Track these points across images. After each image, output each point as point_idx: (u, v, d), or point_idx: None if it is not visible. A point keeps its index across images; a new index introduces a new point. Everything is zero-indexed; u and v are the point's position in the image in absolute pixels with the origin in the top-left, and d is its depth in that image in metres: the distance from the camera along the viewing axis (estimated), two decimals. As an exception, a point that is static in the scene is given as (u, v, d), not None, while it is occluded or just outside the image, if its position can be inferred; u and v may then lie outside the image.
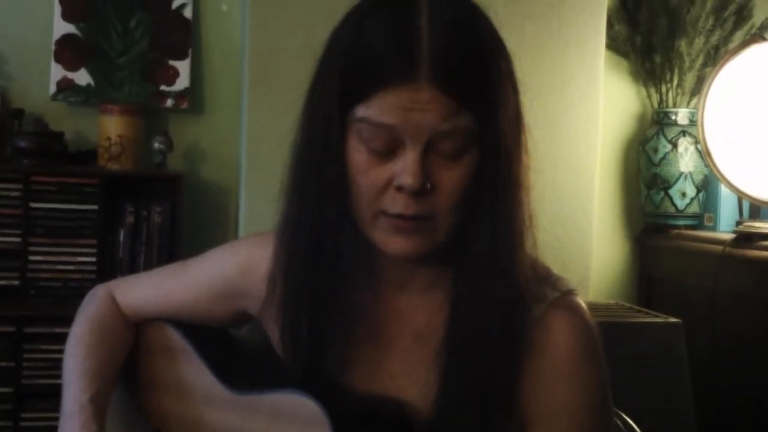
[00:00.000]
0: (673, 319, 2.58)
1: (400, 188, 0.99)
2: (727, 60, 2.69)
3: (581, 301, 1.11)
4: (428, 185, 0.99)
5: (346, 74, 1.00)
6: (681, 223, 3.10)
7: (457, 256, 1.05)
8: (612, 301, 3.01)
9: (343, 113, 1.01)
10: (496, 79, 1.00)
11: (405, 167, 0.98)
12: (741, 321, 2.64)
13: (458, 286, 1.06)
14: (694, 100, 3.09)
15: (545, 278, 1.10)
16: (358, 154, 1.01)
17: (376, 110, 0.98)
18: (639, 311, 2.75)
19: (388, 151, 0.99)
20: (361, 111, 0.99)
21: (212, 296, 1.24)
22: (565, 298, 1.09)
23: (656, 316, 2.63)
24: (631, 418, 1.85)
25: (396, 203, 1.00)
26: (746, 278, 2.62)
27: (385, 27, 0.99)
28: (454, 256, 1.06)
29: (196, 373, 1.23)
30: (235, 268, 1.22)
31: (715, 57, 3.05)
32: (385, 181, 1.00)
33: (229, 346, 1.30)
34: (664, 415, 2.46)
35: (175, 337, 1.27)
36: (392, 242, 1.02)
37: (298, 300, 1.10)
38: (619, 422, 1.66)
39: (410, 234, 1.01)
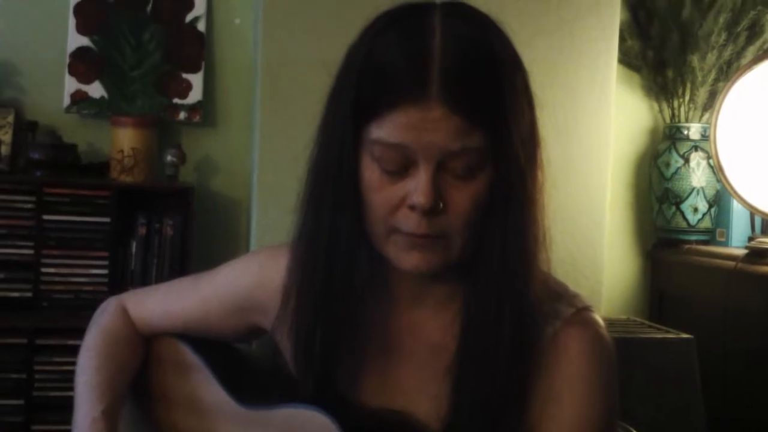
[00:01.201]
0: (685, 335, 2.58)
1: (412, 207, 0.99)
2: (740, 75, 2.68)
3: (598, 318, 1.11)
4: (440, 204, 0.99)
5: (359, 92, 1.00)
6: (693, 238, 3.09)
7: (471, 272, 1.05)
8: (624, 317, 3.00)
9: (356, 132, 1.01)
10: (509, 97, 1.00)
11: (417, 187, 0.98)
12: (753, 336, 2.63)
13: (470, 303, 1.06)
14: (706, 115, 3.09)
15: (560, 294, 1.10)
16: (371, 173, 1.01)
17: (388, 130, 0.98)
18: (651, 327, 2.74)
19: (401, 170, 1.00)
20: (374, 132, 0.99)
21: (225, 310, 1.24)
22: (581, 314, 1.09)
23: (668, 332, 2.63)
24: (642, 434, 1.84)
25: (409, 222, 1.00)
26: (758, 294, 2.61)
27: (397, 45, 0.99)
28: (467, 273, 1.06)
29: (207, 388, 1.23)
30: (247, 282, 1.22)
31: (727, 72, 3.04)
32: (399, 199, 1.00)
33: (239, 362, 1.30)
34: (676, 430, 2.45)
35: (186, 351, 1.27)
36: (406, 258, 1.02)
37: (311, 314, 1.09)
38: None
39: (424, 250, 1.01)
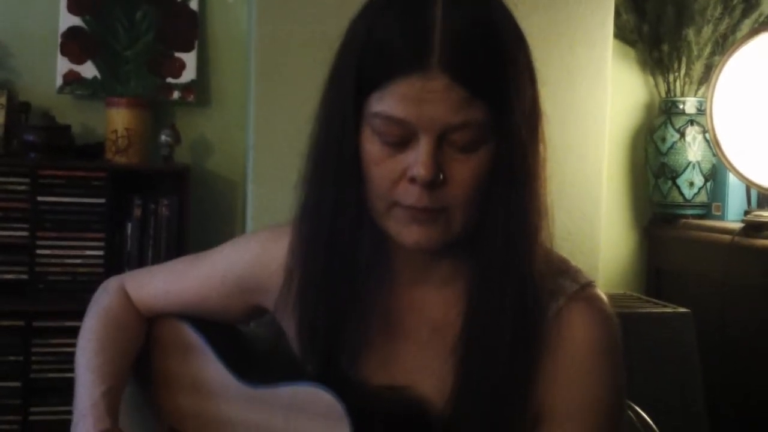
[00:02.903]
0: (682, 309, 2.58)
1: (413, 180, 0.98)
2: (736, 49, 2.67)
3: (601, 293, 1.10)
4: (441, 177, 0.98)
5: (361, 63, 1.00)
6: (689, 212, 3.09)
7: (474, 249, 1.04)
8: (621, 292, 3.00)
9: (357, 104, 1.00)
10: (511, 70, 0.99)
11: (417, 159, 0.98)
12: (750, 310, 2.63)
13: (474, 280, 1.05)
14: (702, 89, 3.08)
15: (563, 271, 1.09)
16: (372, 146, 1.00)
17: (389, 103, 0.97)
18: (648, 302, 2.75)
19: (402, 142, 0.99)
20: (375, 105, 0.99)
21: (226, 290, 1.24)
22: (585, 290, 1.08)
23: (665, 306, 2.63)
24: (641, 409, 1.84)
25: (409, 195, 0.99)
26: (755, 268, 2.62)
27: (398, 17, 0.99)
28: (470, 250, 1.05)
29: (209, 368, 1.23)
30: (249, 261, 1.22)
31: (723, 46, 3.03)
32: (399, 172, 1.00)
33: (241, 341, 1.30)
34: (674, 405, 2.45)
35: (187, 332, 1.26)
36: (407, 233, 1.02)
37: (314, 292, 1.09)
38: (632, 414, 1.66)
39: (425, 224, 1.01)
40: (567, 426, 1.06)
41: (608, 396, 1.08)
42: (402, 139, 0.99)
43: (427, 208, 0.99)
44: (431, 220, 1.01)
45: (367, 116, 1.00)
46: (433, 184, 0.98)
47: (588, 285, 1.09)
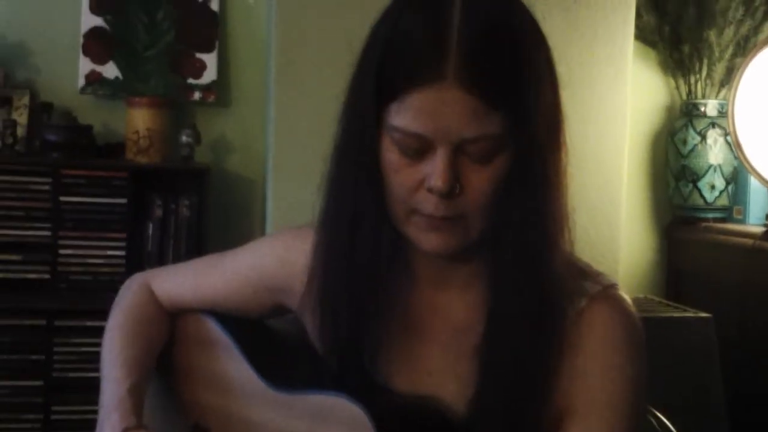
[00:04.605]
0: (703, 314, 2.56)
1: (430, 190, 0.99)
2: (758, 50, 2.66)
3: (624, 295, 1.10)
4: (458, 187, 0.99)
5: (380, 70, 1.00)
6: (710, 215, 3.07)
7: (494, 253, 1.05)
8: (641, 295, 2.99)
9: (378, 112, 1.01)
10: (530, 77, 0.98)
11: (434, 170, 0.98)
12: (771, 314, 2.61)
13: (495, 284, 1.05)
14: (723, 92, 3.06)
15: (585, 273, 1.09)
16: (391, 155, 1.01)
17: (407, 118, 0.98)
18: (668, 305, 2.73)
19: (420, 153, 0.99)
20: (393, 118, 0.99)
21: (249, 289, 1.24)
22: (607, 291, 1.08)
23: (686, 311, 2.62)
24: (662, 413, 1.84)
25: (427, 204, 1.00)
26: (776, 271, 2.60)
27: (417, 24, 0.98)
28: (490, 254, 1.05)
29: (234, 366, 1.23)
30: (273, 261, 1.22)
31: (745, 47, 3.01)
32: (417, 181, 1.00)
33: (266, 338, 1.30)
34: (695, 409, 2.44)
35: (213, 328, 1.27)
36: (426, 239, 1.02)
37: (337, 293, 1.10)
38: (652, 419, 1.65)
39: (443, 231, 1.01)
40: (589, 422, 1.06)
41: (630, 393, 1.07)
42: (419, 150, 0.99)
43: (445, 217, 1.00)
44: (449, 228, 1.01)
45: (387, 127, 1.00)
46: (449, 195, 0.98)
47: (611, 286, 1.09)
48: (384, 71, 0.99)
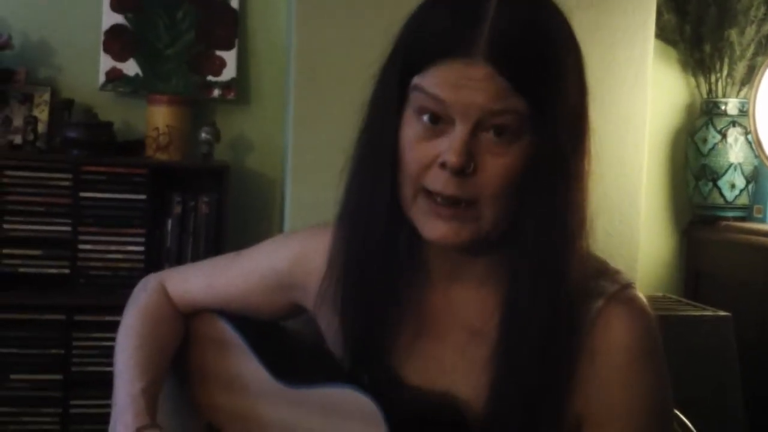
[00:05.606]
0: (722, 313, 2.55)
1: (443, 165, 0.99)
2: (780, 49, 2.64)
3: (641, 295, 1.09)
4: (471, 166, 0.99)
5: (409, 46, 1.02)
6: (730, 214, 3.05)
7: (510, 252, 1.04)
8: (659, 294, 2.98)
9: (402, 86, 1.02)
10: (557, 71, 0.99)
11: (450, 145, 0.98)
12: (791, 314, 2.60)
13: (512, 283, 1.05)
14: (744, 90, 3.04)
15: (603, 272, 1.08)
16: (410, 129, 1.01)
17: (430, 80, 0.99)
18: (687, 304, 2.72)
19: (438, 124, 1.00)
20: (416, 79, 1.00)
21: (265, 288, 1.25)
22: (624, 291, 1.07)
23: (705, 310, 2.60)
24: (679, 411, 1.82)
25: (437, 180, 1.00)
26: (797, 271, 2.58)
27: (455, 6, 1.00)
28: (507, 252, 1.05)
29: (247, 366, 1.23)
30: (288, 259, 1.22)
31: (766, 46, 3.00)
32: (431, 158, 1.00)
33: (280, 338, 1.30)
34: (713, 409, 2.43)
35: (226, 328, 1.27)
36: (430, 226, 1.02)
37: (352, 290, 1.10)
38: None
39: (449, 220, 1.01)
40: (611, 428, 1.05)
41: (651, 397, 1.06)
42: (439, 120, 0.99)
43: (453, 196, 1.00)
44: (458, 216, 1.01)
45: (410, 92, 1.01)
46: (462, 172, 0.98)
47: (628, 286, 1.08)
48: (413, 47, 1.01)
